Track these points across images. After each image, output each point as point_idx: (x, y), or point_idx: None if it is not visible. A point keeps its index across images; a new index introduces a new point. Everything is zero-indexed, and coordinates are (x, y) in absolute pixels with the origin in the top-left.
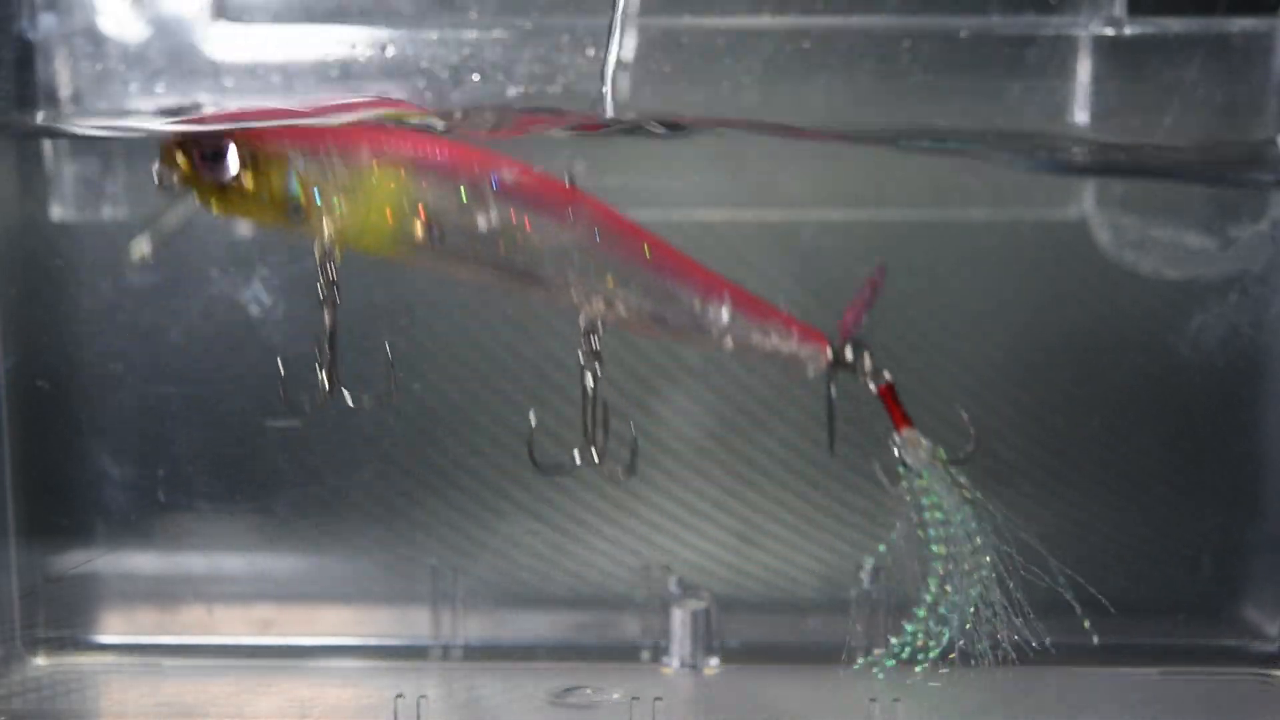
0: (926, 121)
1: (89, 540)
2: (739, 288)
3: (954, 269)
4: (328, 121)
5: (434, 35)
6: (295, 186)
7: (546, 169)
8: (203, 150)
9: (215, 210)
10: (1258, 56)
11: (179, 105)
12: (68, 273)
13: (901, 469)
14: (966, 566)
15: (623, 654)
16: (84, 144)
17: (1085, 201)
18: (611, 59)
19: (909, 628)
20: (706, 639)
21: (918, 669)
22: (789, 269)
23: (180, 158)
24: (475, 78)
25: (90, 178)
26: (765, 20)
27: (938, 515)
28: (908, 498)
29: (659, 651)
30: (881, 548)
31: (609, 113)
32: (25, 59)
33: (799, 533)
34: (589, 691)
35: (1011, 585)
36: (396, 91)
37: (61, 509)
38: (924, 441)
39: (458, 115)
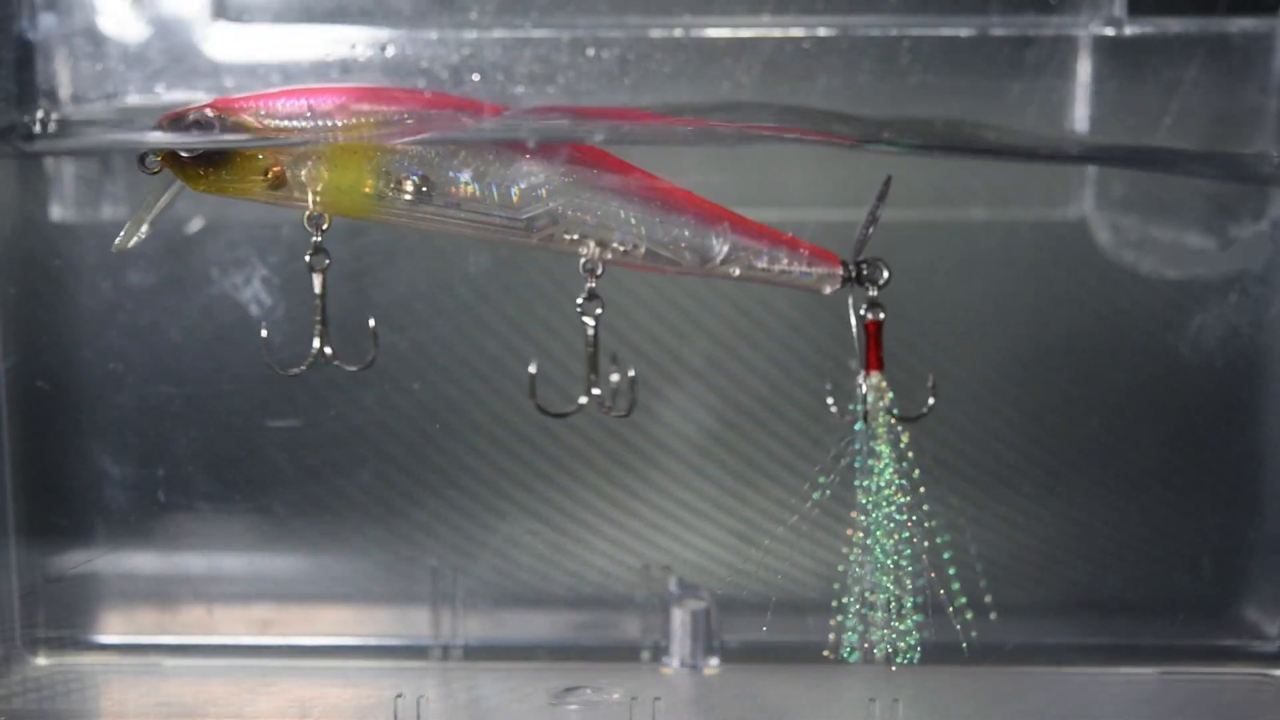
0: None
1: (89, 540)
2: (743, 218)
3: (954, 269)
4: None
5: (434, 35)
6: (272, 160)
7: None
8: (182, 126)
9: (199, 187)
10: (1258, 56)
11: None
12: (68, 273)
13: (856, 407)
14: (881, 535)
15: (623, 654)
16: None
17: (1085, 201)
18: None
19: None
20: (707, 639)
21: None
22: None
23: (168, 127)
24: (475, 78)
25: (90, 178)
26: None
27: (873, 468)
28: (851, 438)
29: (659, 651)
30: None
31: None
32: (25, 59)
33: (799, 533)
34: (589, 691)
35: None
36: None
37: (61, 509)
38: (886, 391)
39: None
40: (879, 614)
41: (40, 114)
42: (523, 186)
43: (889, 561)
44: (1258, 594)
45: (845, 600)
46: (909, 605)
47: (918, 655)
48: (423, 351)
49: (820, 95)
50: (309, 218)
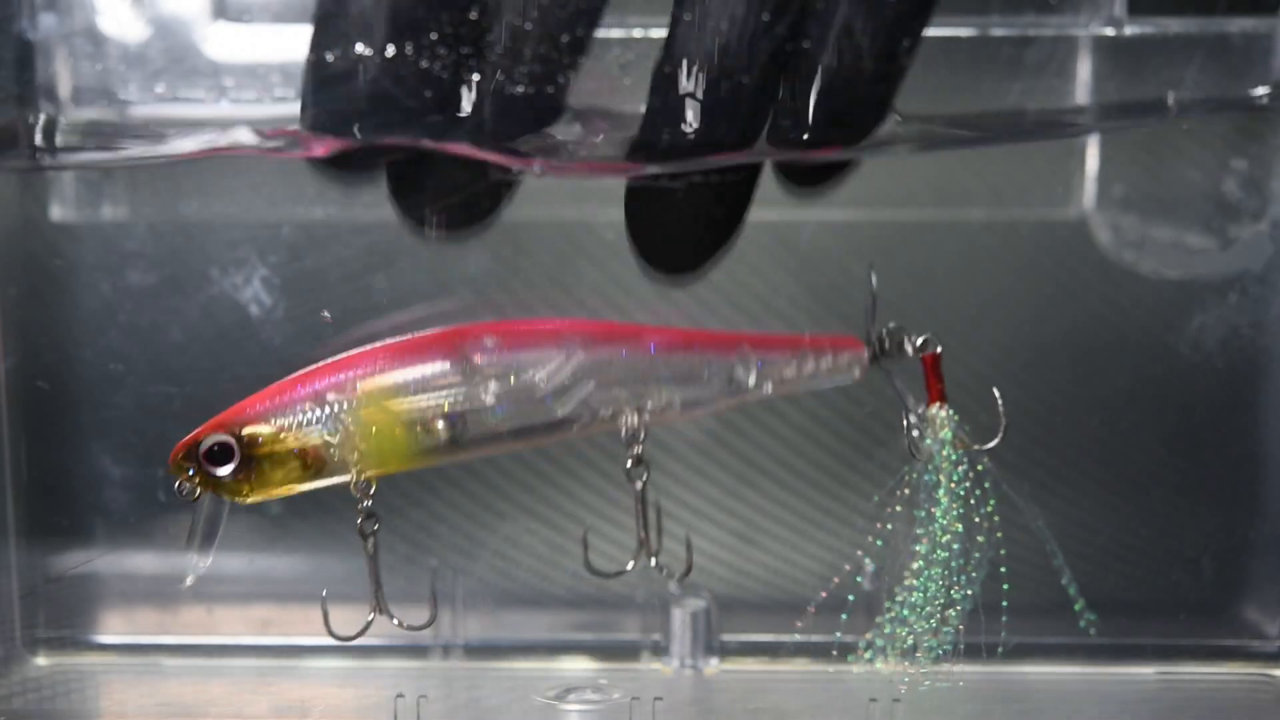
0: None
1: (89, 540)
2: (756, 335)
3: (954, 269)
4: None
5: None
6: (304, 447)
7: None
8: (207, 452)
9: (244, 499)
10: (1258, 56)
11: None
12: (68, 273)
13: (921, 443)
14: (947, 557)
15: (623, 654)
16: (84, 144)
17: (1085, 201)
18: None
19: (883, 622)
20: (706, 639)
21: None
22: (789, 269)
23: (188, 467)
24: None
25: (90, 178)
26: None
27: (941, 500)
28: (920, 472)
29: (659, 651)
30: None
31: None
32: (25, 59)
33: (799, 532)
34: (589, 691)
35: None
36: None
37: (61, 509)
38: (950, 421)
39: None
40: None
41: (44, 117)
42: (550, 390)
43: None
44: (1258, 594)
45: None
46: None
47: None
48: None
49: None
50: (357, 485)
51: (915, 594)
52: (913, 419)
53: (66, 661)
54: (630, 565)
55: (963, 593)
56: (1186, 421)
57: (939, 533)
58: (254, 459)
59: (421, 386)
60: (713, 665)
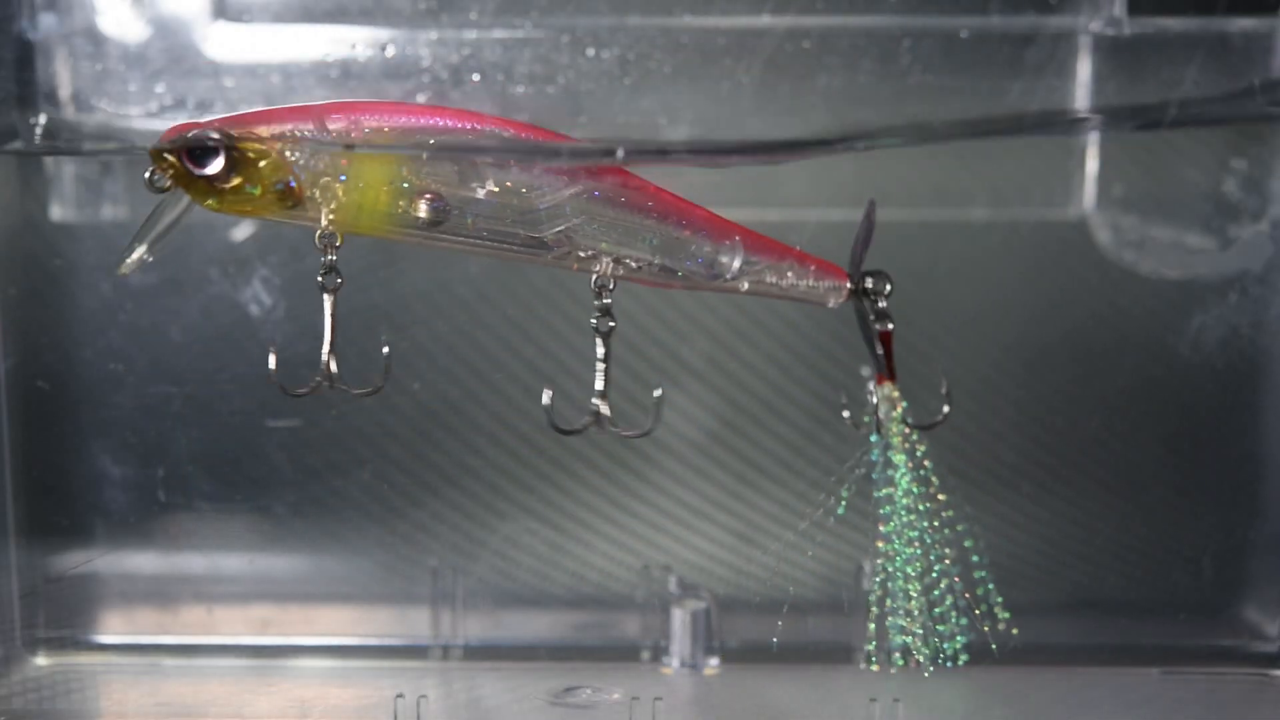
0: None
1: (89, 540)
2: (753, 232)
3: (954, 269)
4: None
5: (434, 35)
6: (287, 176)
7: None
8: (191, 149)
9: (212, 207)
10: (1258, 56)
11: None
12: (68, 273)
13: (869, 419)
14: (901, 544)
15: (623, 654)
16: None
17: (1085, 201)
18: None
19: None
20: (706, 639)
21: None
22: None
23: (171, 159)
24: (475, 77)
25: (90, 178)
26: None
27: (891, 477)
28: (866, 450)
29: (659, 651)
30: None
31: None
32: (25, 59)
33: (810, 538)
34: (589, 691)
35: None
36: (394, 92)
37: (61, 509)
38: (899, 401)
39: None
40: (904, 620)
41: (43, 118)
42: (542, 207)
43: (910, 570)
44: (1258, 594)
45: (873, 608)
46: (938, 611)
47: (963, 658)
48: (423, 351)
49: (820, 95)
50: (321, 236)
51: (896, 583)
52: (871, 387)
53: (66, 661)
54: (599, 406)
55: (943, 581)
56: (1186, 421)
57: (901, 514)
58: (235, 171)
59: (422, 159)
60: (713, 665)
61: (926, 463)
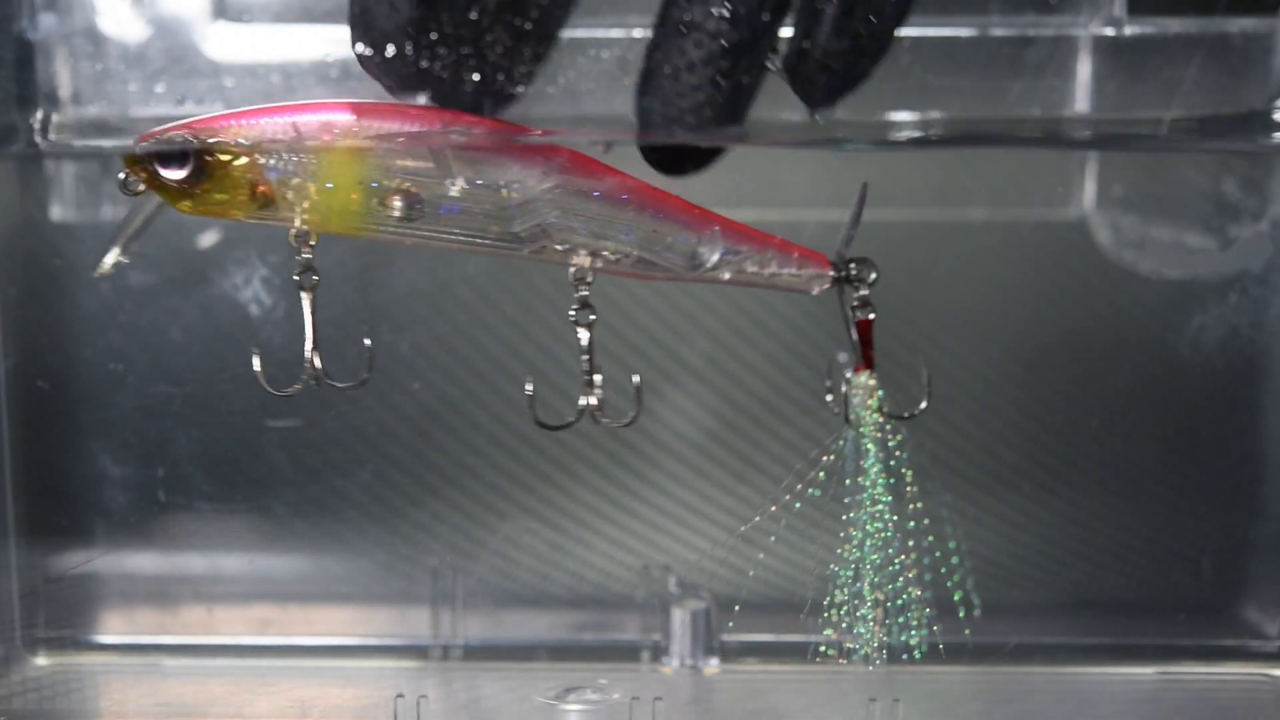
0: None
1: (89, 540)
2: (733, 221)
3: (954, 269)
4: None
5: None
6: (256, 178)
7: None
8: (163, 156)
9: (185, 209)
10: (1258, 56)
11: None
12: (68, 273)
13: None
14: (865, 533)
15: (623, 654)
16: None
17: (1085, 201)
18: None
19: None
20: (706, 639)
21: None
22: None
23: (144, 164)
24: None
25: (90, 178)
26: None
27: (862, 467)
28: (838, 435)
29: (659, 651)
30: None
31: None
32: (25, 59)
33: (799, 532)
34: (589, 691)
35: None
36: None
37: (61, 509)
38: (875, 390)
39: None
40: (867, 612)
41: (40, 115)
42: (515, 201)
43: (874, 559)
44: (1258, 594)
45: (834, 599)
46: (900, 603)
47: (920, 652)
48: (423, 351)
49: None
50: (295, 235)
51: (862, 575)
52: (847, 376)
53: (66, 661)
54: (574, 419)
55: (907, 576)
56: (1186, 421)
57: (868, 502)
58: (206, 173)
59: (394, 158)
60: (713, 665)
61: (899, 453)
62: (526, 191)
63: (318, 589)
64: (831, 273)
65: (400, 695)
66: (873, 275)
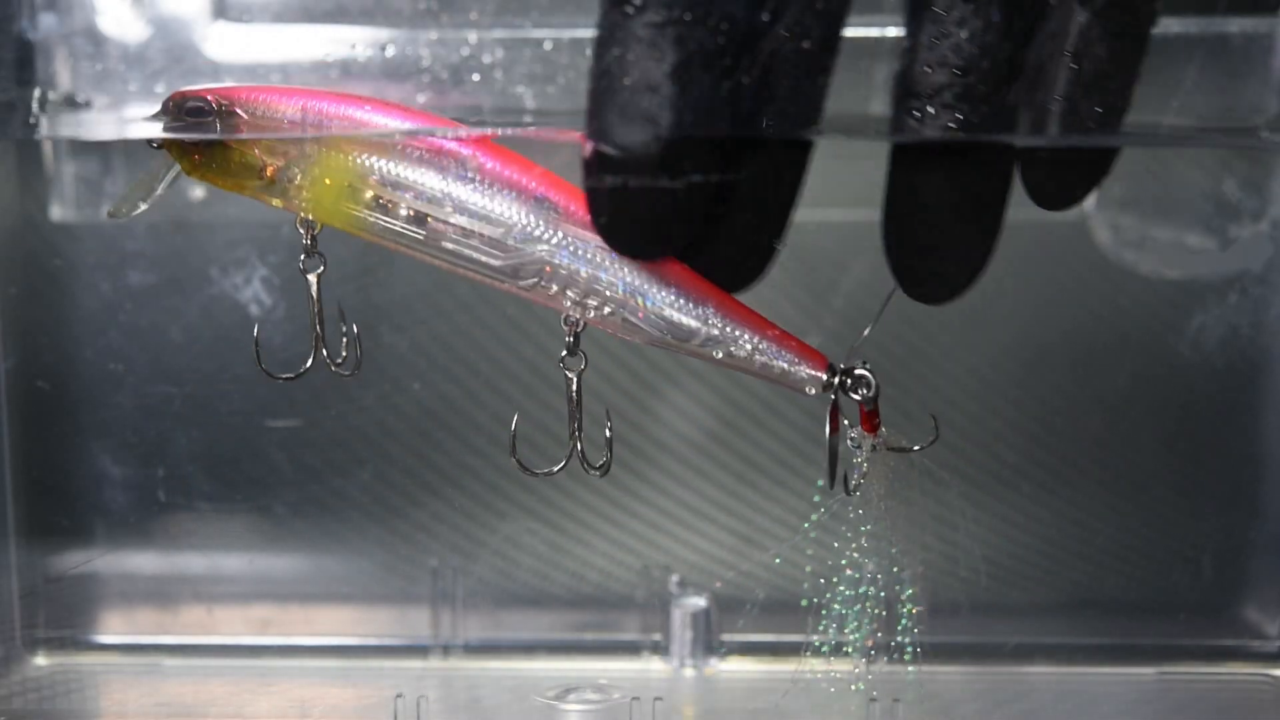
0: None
1: (89, 540)
2: (733, 301)
3: None
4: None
5: (434, 35)
6: (265, 155)
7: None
8: (188, 105)
9: (193, 174)
10: (1258, 56)
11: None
12: (68, 273)
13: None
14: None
15: (623, 654)
16: (84, 144)
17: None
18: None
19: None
20: (706, 638)
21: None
22: (789, 269)
23: (171, 108)
24: (475, 77)
25: (90, 178)
26: None
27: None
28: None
29: (659, 650)
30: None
31: None
32: (25, 59)
33: (799, 532)
34: (589, 691)
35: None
36: (394, 91)
37: (61, 509)
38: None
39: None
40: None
41: (38, 93)
42: (518, 235)
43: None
44: (1258, 594)
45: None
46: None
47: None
48: (423, 351)
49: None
50: (301, 220)
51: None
52: (859, 457)
53: (66, 661)
54: (559, 467)
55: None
56: (1186, 421)
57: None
58: (222, 143)
59: (398, 175)
60: (712, 665)
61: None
62: (533, 229)
63: (318, 589)
64: (825, 376)
65: (400, 695)
66: (871, 389)
